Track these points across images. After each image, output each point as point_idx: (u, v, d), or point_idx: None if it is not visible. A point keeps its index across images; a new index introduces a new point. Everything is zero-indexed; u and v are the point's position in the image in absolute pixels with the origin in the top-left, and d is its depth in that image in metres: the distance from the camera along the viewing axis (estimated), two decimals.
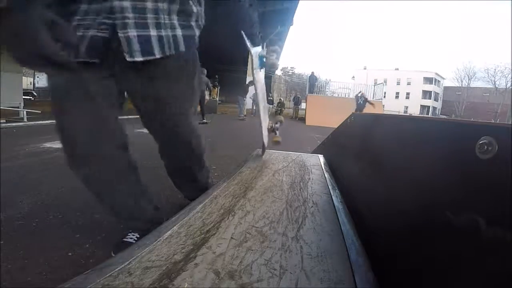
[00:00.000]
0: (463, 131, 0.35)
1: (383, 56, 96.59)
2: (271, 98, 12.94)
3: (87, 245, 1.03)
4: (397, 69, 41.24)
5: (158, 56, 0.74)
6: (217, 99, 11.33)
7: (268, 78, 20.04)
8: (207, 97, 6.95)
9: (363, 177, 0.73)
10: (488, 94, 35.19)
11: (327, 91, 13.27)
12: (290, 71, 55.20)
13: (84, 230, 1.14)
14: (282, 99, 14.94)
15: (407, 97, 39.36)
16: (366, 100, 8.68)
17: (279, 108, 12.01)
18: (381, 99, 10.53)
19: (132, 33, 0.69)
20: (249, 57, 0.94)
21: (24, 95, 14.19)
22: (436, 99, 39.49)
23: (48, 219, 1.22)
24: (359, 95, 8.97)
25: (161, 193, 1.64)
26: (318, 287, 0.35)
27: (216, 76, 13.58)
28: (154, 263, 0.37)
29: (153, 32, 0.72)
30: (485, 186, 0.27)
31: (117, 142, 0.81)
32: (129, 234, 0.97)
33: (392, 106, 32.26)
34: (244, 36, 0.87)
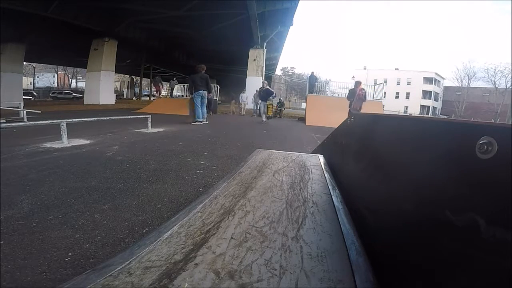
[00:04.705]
0: (463, 131, 0.35)
1: (383, 56, 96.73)
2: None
3: (87, 245, 1.03)
4: (397, 69, 41.22)
5: None
6: (217, 99, 11.36)
7: (268, 78, 20.06)
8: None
9: (363, 177, 0.73)
10: (488, 94, 35.18)
11: (327, 91, 13.26)
12: (290, 71, 55.26)
13: (84, 230, 1.14)
14: (281, 99, 14.97)
15: (407, 97, 39.36)
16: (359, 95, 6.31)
17: (279, 108, 12.03)
18: (381, 99, 10.48)
19: None
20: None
21: (24, 95, 14.25)
22: (436, 99, 39.48)
23: (48, 219, 1.22)
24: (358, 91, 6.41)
25: (163, 191, 1.64)
26: (318, 287, 0.35)
27: (157, 78, 14.36)
28: (154, 263, 0.37)
29: None
30: (485, 186, 0.27)
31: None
32: None
33: (392, 106, 32.26)
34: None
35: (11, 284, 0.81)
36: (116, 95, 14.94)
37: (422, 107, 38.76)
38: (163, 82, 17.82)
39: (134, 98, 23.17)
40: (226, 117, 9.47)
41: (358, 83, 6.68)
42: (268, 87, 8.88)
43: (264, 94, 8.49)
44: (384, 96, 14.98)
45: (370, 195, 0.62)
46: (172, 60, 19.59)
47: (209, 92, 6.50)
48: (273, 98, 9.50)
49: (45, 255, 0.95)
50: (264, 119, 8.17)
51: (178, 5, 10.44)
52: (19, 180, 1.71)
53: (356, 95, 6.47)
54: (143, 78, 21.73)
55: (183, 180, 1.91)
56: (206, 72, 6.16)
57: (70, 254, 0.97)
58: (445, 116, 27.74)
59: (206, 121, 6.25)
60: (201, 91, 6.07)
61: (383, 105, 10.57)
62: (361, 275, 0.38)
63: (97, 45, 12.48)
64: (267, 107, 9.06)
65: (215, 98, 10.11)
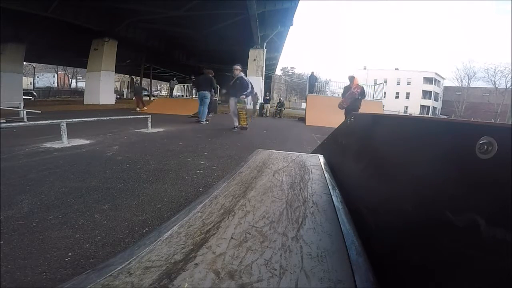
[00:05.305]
0: (463, 131, 0.35)
1: (383, 56, 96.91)
2: (268, 98, 13.07)
3: (87, 245, 1.03)
4: (397, 69, 41.24)
5: None
6: (218, 99, 11.36)
7: (268, 78, 20.06)
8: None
9: (363, 177, 0.73)
10: (488, 94, 35.20)
11: (327, 91, 13.26)
12: (290, 71, 55.25)
13: (84, 230, 1.14)
14: (281, 99, 15.00)
15: (407, 97, 39.38)
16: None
17: (279, 108, 12.03)
18: (381, 99, 10.48)
19: None
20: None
21: (24, 95, 14.26)
22: (436, 99, 39.49)
23: (48, 219, 1.22)
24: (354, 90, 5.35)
25: (162, 191, 1.64)
26: (318, 287, 0.35)
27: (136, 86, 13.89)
28: (154, 263, 0.37)
29: None
30: (485, 186, 0.27)
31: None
32: None
33: (392, 106, 32.28)
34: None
35: (11, 284, 0.81)
36: (116, 95, 14.93)
37: (422, 107, 38.78)
38: (145, 91, 17.17)
39: (134, 98, 23.18)
40: (226, 117, 9.47)
41: (352, 79, 5.49)
42: (242, 74, 5.07)
43: (236, 87, 4.96)
44: (384, 96, 14.98)
45: (370, 195, 0.62)
46: (172, 60, 19.57)
47: (215, 92, 7.04)
48: (246, 96, 5.01)
49: (45, 255, 0.95)
50: (236, 123, 5.10)
51: (178, 5, 10.44)
52: (19, 180, 1.71)
53: (349, 92, 5.45)
54: (143, 78, 21.72)
55: (183, 180, 1.91)
56: (214, 76, 6.54)
57: (70, 254, 0.97)
58: (445, 116, 27.75)
59: (207, 121, 6.30)
60: (201, 92, 6.32)
61: (383, 105, 10.57)
62: (361, 275, 0.38)
63: (97, 45, 12.48)
64: (239, 114, 4.99)
65: (215, 98, 10.11)
